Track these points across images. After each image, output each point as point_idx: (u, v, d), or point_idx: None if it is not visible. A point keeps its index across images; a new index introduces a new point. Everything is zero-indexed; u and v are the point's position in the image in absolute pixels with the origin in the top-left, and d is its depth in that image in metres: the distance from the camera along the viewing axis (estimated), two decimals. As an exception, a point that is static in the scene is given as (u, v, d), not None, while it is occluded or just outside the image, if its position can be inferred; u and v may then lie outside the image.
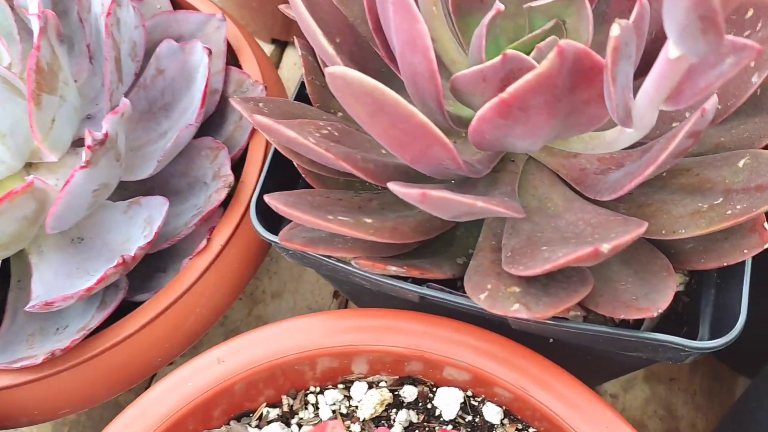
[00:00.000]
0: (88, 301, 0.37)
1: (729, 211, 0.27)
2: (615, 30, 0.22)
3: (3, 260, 0.40)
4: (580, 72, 0.24)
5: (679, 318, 0.34)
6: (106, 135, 0.32)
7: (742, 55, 0.19)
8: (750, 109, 0.31)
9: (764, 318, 0.38)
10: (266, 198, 0.29)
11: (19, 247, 0.37)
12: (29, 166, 0.39)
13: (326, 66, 0.31)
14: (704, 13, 0.16)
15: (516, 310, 0.25)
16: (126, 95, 0.43)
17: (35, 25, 0.34)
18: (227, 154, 0.41)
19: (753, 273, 0.29)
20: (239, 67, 0.45)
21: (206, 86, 0.39)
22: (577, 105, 0.26)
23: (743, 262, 0.29)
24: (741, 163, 0.28)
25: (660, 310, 0.26)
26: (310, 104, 0.36)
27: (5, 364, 0.34)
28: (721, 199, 0.28)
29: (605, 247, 0.23)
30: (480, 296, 0.27)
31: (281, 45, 0.67)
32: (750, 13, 0.28)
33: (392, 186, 0.27)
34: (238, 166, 0.42)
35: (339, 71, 0.25)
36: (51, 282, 0.37)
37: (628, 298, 0.28)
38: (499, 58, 0.26)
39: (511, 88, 0.24)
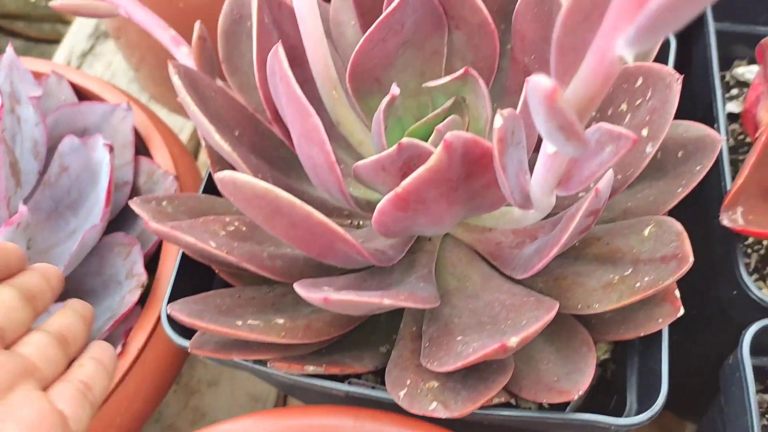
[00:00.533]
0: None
1: (638, 284, 0.26)
2: (498, 122, 0.21)
3: None
4: (472, 161, 0.23)
5: (608, 386, 0.33)
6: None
7: (619, 144, 0.19)
8: (654, 173, 0.31)
9: (703, 361, 0.38)
10: (169, 309, 0.27)
11: None
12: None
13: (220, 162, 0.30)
14: (561, 124, 0.15)
15: (434, 410, 0.24)
16: (31, 195, 0.41)
17: None
18: (140, 250, 0.39)
19: (683, 319, 0.29)
20: (149, 155, 0.43)
21: (110, 184, 0.37)
22: (476, 190, 0.25)
23: (661, 330, 0.28)
24: (646, 232, 0.28)
25: (581, 392, 0.26)
26: (219, 195, 0.35)
27: None
28: (630, 270, 0.27)
29: (513, 341, 0.22)
30: (399, 393, 0.26)
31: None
32: (640, 81, 0.28)
33: (297, 288, 0.25)
34: (153, 259, 0.40)
35: (227, 176, 0.24)
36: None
37: (550, 379, 0.27)
38: (395, 147, 0.26)
39: (405, 183, 0.23)
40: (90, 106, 0.44)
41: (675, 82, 0.26)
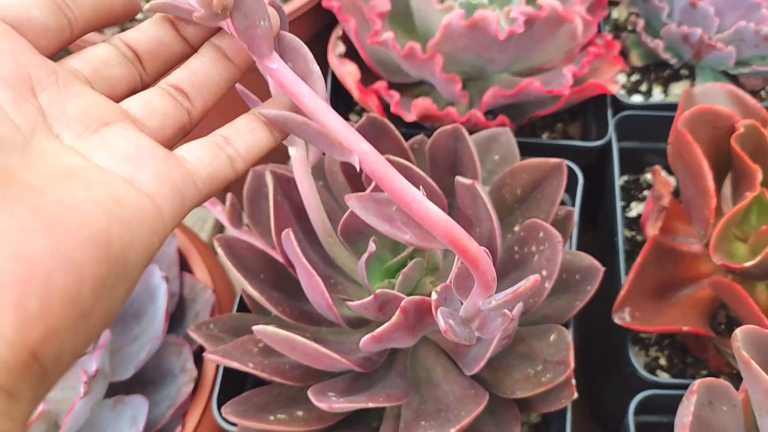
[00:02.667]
0: (92, 492, 0.47)
1: (544, 378, 0.39)
2: (434, 296, 0.34)
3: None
4: (422, 311, 0.36)
5: (541, 437, 0.45)
6: (96, 371, 0.43)
7: (505, 320, 0.32)
8: (563, 288, 0.44)
9: (617, 415, 0.50)
10: (223, 413, 0.40)
11: (32, 457, 0.46)
12: (31, 385, 0.49)
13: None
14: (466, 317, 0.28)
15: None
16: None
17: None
18: (189, 349, 0.51)
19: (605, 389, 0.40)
20: (190, 269, 0.56)
21: (167, 304, 0.50)
22: (427, 324, 0.37)
23: (565, 407, 0.40)
24: (551, 338, 0.40)
25: (507, 457, 0.38)
26: (250, 311, 0.48)
27: None
28: (540, 367, 0.40)
29: (451, 431, 0.35)
30: (384, 463, 0.39)
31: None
32: (542, 234, 0.41)
33: (310, 395, 0.38)
34: (199, 353, 0.53)
35: (261, 330, 0.36)
36: (59, 479, 0.47)
37: (488, 447, 0.39)
38: (372, 297, 0.38)
39: (377, 331, 0.36)
40: (142, 234, 0.56)
41: (559, 241, 0.39)
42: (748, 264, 0.40)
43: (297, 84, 0.25)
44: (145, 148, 0.23)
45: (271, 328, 0.36)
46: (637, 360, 0.47)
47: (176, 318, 0.54)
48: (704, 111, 0.45)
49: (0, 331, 0.17)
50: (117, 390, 0.51)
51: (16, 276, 0.18)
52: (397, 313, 0.35)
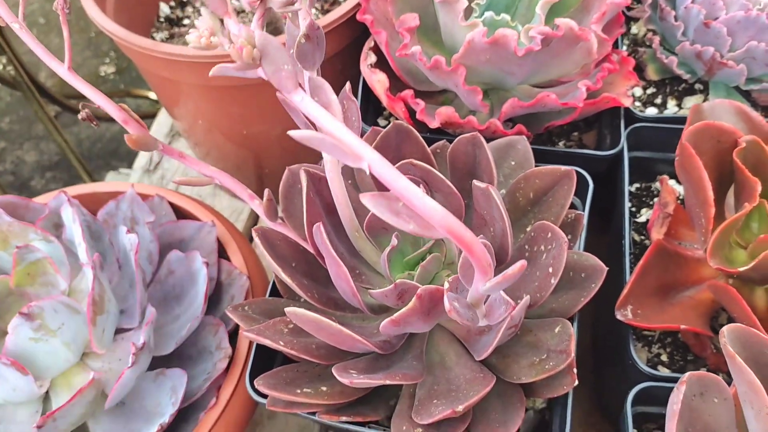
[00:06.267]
0: (135, 454, 0.52)
1: (547, 366, 0.42)
2: (446, 285, 0.38)
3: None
4: (435, 300, 0.40)
5: (546, 426, 0.49)
6: (144, 344, 0.48)
7: (508, 307, 0.36)
8: (569, 285, 0.47)
9: (618, 404, 0.53)
10: (256, 384, 0.44)
11: (84, 420, 0.52)
12: (84, 356, 0.54)
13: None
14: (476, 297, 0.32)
15: (417, 446, 0.41)
16: (147, 288, 0.59)
17: (89, 273, 0.50)
18: (225, 329, 0.56)
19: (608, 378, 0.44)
20: (227, 257, 0.61)
21: (207, 287, 0.54)
22: (440, 312, 0.42)
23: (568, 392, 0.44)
24: (556, 330, 0.44)
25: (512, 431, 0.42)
26: (281, 296, 0.52)
27: None
28: (545, 355, 0.43)
29: (460, 408, 0.39)
30: (398, 436, 0.43)
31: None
32: (550, 234, 0.44)
33: (334, 372, 0.42)
34: (233, 333, 0.57)
35: (292, 312, 0.41)
36: (106, 441, 0.52)
37: (494, 424, 0.43)
38: (392, 285, 0.42)
39: (396, 315, 0.40)
40: (186, 223, 0.61)
41: (564, 242, 0.42)
42: (742, 269, 0.43)
43: (318, 110, 0.30)
44: None
45: (301, 310, 0.41)
46: (640, 356, 0.50)
47: (213, 301, 0.59)
48: (708, 126, 0.48)
49: None
50: (159, 364, 0.56)
51: None
52: (414, 299, 0.39)
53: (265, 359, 0.52)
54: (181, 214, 0.64)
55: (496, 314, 0.37)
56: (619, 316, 0.48)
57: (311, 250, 0.50)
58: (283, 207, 0.51)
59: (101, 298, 0.50)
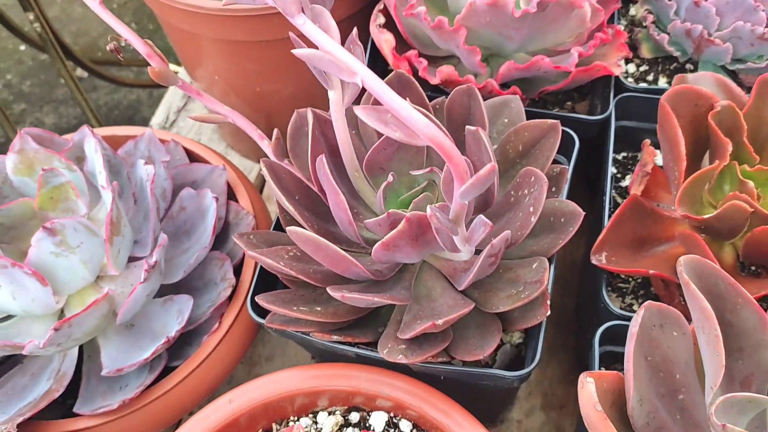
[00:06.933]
0: (141, 368, 0.56)
1: (523, 295, 0.46)
2: (428, 210, 0.42)
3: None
4: (422, 226, 0.44)
5: (522, 357, 0.53)
6: (155, 262, 0.52)
7: (486, 227, 0.39)
8: (548, 230, 0.51)
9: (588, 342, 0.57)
10: (257, 298, 0.48)
11: (96, 334, 0.56)
12: (98, 278, 0.59)
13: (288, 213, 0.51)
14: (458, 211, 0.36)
15: (399, 358, 0.45)
16: (160, 223, 0.63)
17: (108, 197, 0.54)
18: (230, 263, 0.60)
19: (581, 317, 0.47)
20: (236, 200, 0.65)
21: (215, 222, 0.59)
22: (427, 240, 0.46)
23: (540, 323, 0.48)
24: (534, 266, 0.48)
25: (486, 354, 0.46)
26: (284, 231, 0.56)
27: (90, 411, 0.53)
28: (522, 288, 0.47)
29: (439, 322, 0.43)
30: (384, 352, 0.47)
31: (266, 165, 0.89)
32: (533, 178, 0.48)
33: (328, 290, 0.46)
34: (238, 269, 0.62)
35: (293, 230, 0.45)
36: (115, 356, 0.56)
37: (472, 347, 0.47)
38: (385, 215, 0.46)
39: (387, 237, 0.44)
40: (198, 166, 0.66)
41: (545, 183, 0.46)
42: (707, 215, 0.47)
43: (318, 32, 0.34)
44: None
45: (301, 230, 0.45)
46: (613, 305, 0.54)
47: (221, 240, 0.64)
48: (686, 90, 0.52)
49: None
50: (167, 292, 0.60)
51: None
52: (403, 221, 0.43)
53: (266, 288, 0.56)
54: (194, 159, 0.68)
55: (476, 235, 0.41)
56: (594, 261, 0.52)
57: (314, 188, 0.54)
58: (290, 147, 0.56)
59: (118, 220, 0.55)
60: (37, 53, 1.69)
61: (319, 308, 0.49)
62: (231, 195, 0.66)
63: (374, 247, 0.45)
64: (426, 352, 0.46)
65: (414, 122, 0.31)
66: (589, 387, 0.40)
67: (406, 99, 0.55)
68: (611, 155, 0.59)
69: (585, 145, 0.59)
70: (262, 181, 0.90)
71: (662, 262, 0.54)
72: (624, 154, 0.66)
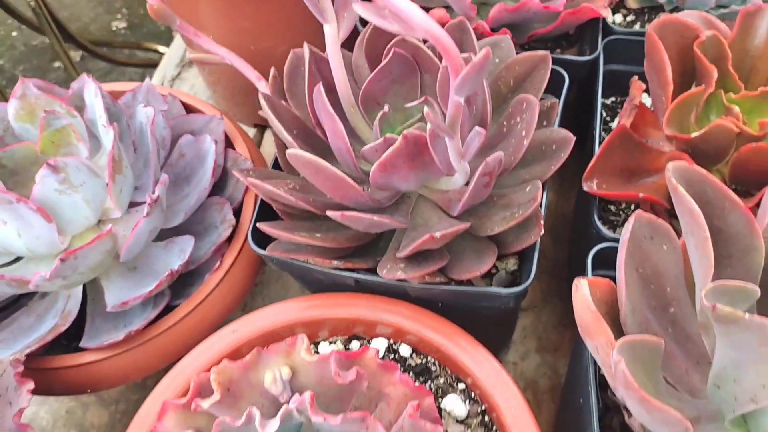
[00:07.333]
0: (144, 305, 0.57)
1: (517, 215, 0.48)
2: (429, 127, 0.43)
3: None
4: (419, 145, 0.45)
5: (517, 279, 0.54)
6: (158, 197, 0.53)
7: (481, 136, 0.41)
8: (540, 157, 0.53)
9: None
10: (259, 225, 0.50)
11: (99, 272, 0.57)
12: (100, 222, 0.60)
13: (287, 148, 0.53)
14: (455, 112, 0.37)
15: (399, 275, 0.46)
16: (160, 170, 0.64)
17: (109, 135, 0.55)
18: (230, 206, 0.61)
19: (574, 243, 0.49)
20: (234, 149, 0.66)
21: (215, 164, 0.60)
22: (424, 162, 0.47)
23: (535, 243, 0.49)
24: (527, 189, 0.49)
25: (481, 272, 0.47)
26: (282, 171, 0.57)
27: (97, 345, 0.54)
28: (516, 209, 0.49)
29: (437, 234, 0.44)
30: (383, 272, 0.48)
31: (262, 129, 0.90)
32: (525, 104, 0.50)
33: (328, 213, 0.48)
34: (237, 212, 0.63)
35: (293, 152, 0.46)
36: (119, 295, 0.57)
37: (468, 268, 0.49)
38: (382, 139, 0.48)
39: (384, 155, 0.45)
40: (196, 117, 0.67)
41: (536, 105, 0.48)
42: (694, 135, 0.49)
43: None
44: None
45: (301, 152, 0.46)
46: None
47: (219, 186, 0.65)
48: (672, 20, 0.53)
49: None
50: (169, 236, 0.61)
51: None
52: (399, 139, 0.44)
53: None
54: (191, 113, 0.69)
55: (471, 148, 0.42)
56: (585, 188, 0.53)
57: (312, 124, 0.55)
58: (287, 87, 0.57)
59: (120, 159, 0.56)
60: (29, 39, 1.70)
61: (319, 234, 0.51)
62: (229, 143, 0.67)
63: (371, 170, 0.47)
64: (424, 268, 0.47)
65: (411, 15, 0.33)
66: (583, 289, 0.41)
67: (400, 36, 0.56)
68: (600, 97, 0.61)
69: (575, 89, 0.61)
70: (259, 142, 0.91)
71: (652, 192, 0.55)
72: (612, 98, 0.67)
